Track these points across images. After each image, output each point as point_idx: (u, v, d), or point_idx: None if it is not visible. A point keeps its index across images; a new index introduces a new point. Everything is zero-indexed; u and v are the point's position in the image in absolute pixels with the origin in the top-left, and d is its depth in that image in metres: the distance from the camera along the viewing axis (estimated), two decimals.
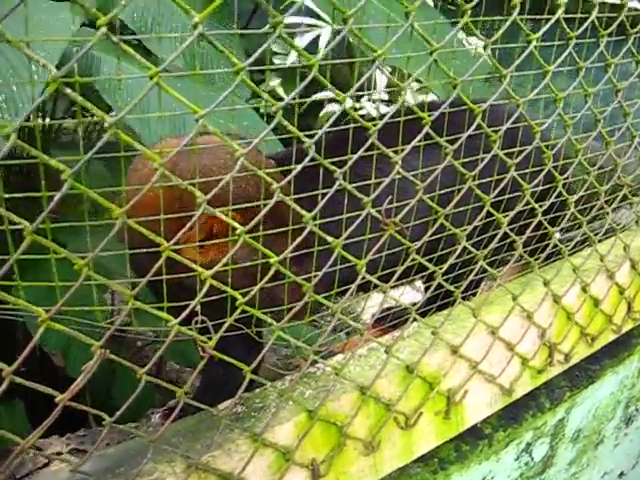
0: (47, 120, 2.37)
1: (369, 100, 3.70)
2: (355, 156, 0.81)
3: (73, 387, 0.67)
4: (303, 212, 0.78)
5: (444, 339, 1.06)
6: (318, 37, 2.88)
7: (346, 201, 0.86)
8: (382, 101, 3.78)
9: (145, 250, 0.73)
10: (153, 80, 0.61)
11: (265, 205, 0.76)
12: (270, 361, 1.59)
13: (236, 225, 0.73)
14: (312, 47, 2.77)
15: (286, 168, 0.79)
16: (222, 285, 0.74)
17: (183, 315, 0.72)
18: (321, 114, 3.31)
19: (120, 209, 0.63)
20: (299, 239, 0.78)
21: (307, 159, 0.76)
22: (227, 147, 1.08)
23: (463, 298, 1.09)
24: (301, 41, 2.97)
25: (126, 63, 1.66)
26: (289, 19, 2.77)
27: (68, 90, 0.59)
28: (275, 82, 3.32)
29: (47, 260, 0.70)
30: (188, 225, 0.68)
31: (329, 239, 0.83)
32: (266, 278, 0.77)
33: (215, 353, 0.77)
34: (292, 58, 3.01)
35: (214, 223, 0.99)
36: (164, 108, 1.68)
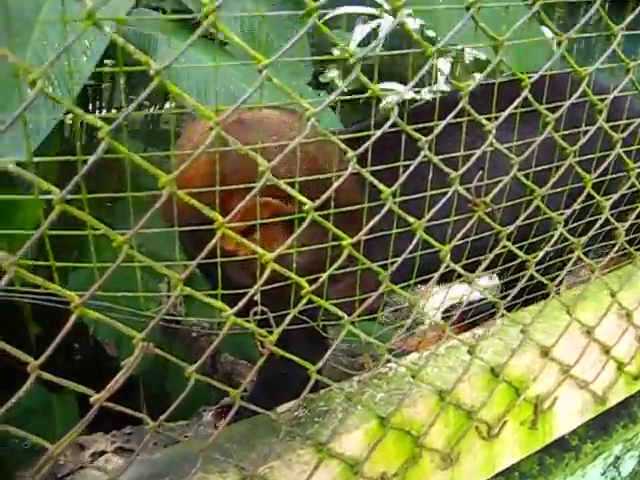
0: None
1: (430, 92, 3.59)
2: (443, 122, 0.68)
3: (111, 385, 0.57)
4: (382, 187, 0.66)
5: (534, 339, 0.93)
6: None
7: (430, 176, 0.74)
8: (443, 92, 3.66)
9: (196, 227, 0.62)
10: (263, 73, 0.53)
11: (335, 179, 0.65)
12: (333, 358, 1.48)
13: (304, 200, 0.61)
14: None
15: (364, 134, 0.67)
16: (286, 270, 0.63)
17: (240, 305, 0.61)
18: (380, 106, 3.20)
19: (168, 176, 0.52)
20: (377, 217, 0.66)
21: (388, 123, 0.64)
22: (289, 123, 0.99)
23: (547, 294, 0.95)
24: (362, 31, 2.86)
25: (177, 41, 1.57)
26: (348, 9, 2.67)
27: (107, 29, 0.48)
28: (334, 73, 3.23)
29: (101, 243, 0.60)
30: (248, 197, 0.57)
31: (410, 220, 0.71)
32: (337, 264, 0.66)
33: (275, 349, 0.66)
34: (352, 48, 2.90)
35: (270, 202, 0.88)
36: (222, 92, 1.59)
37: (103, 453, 1.07)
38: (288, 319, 0.66)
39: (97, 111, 2.36)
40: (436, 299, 2.07)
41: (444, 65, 3.63)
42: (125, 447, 1.08)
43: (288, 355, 0.68)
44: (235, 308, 0.60)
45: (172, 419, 1.24)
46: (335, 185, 0.63)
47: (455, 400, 0.85)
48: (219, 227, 0.57)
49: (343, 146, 0.62)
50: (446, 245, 0.76)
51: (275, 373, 0.94)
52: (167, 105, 2.86)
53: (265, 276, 0.62)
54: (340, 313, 0.71)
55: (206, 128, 0.56)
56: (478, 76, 0.71)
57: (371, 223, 0.66)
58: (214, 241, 0.57)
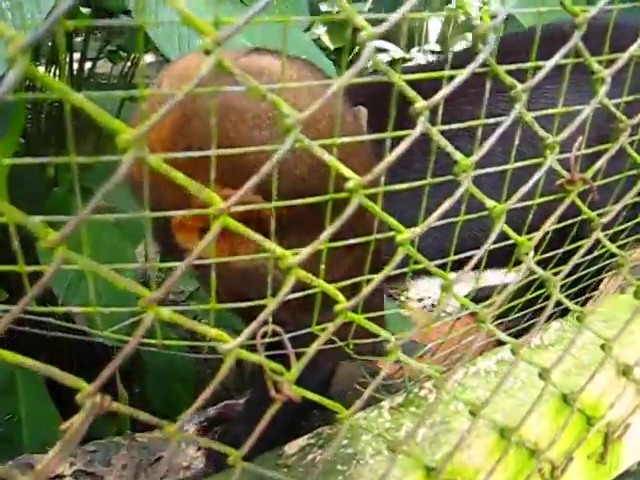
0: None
1: (419, 51, 3.43)
2: (550, 62, 0.46)
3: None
4: (458, 155, 0.44)
5: (613, 355, 0.72)
6: None
7: (516, 142, 0.52)
8: (432, 52, 3.50)
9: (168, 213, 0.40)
10: None
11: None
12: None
13: (350, 174, 0.40)
14: None
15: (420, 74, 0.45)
16: (321, 282, 0.41)
17: (247, 332, 0.39)
18: (369, 64, 3.04)
19: (132, 132, 0.30)
20: (453, 198, 0.44)
21: (476, 63, 0.42)
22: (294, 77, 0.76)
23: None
24: None
25: None
26: None
27: None
28: (321, 30, 3.04)
29: None
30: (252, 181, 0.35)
31: (489, 203, 0.49)
32: (391, 265, 0.44)
33: (296, 392, 0.45)
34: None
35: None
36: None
37: (59, 477, 0.86)
38: (320, 341, 0.45)
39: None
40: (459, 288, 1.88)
41: (436, 25, 3.50)
42: (87, 470, 0.86)
43: (311, 396, 0.47)
44: (241, 338, 0.39)
45: (147, 428, 1.04)
46: (394, 154, 0.41)
47: (518, 437, 0.65)
48: (218, 215, 0.35)
49: (412, 93, 0.40)
50: (523, 235, 0.55)
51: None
52: (148, 58, 2.60)
53: (288, 287, 0.40)
54: (384, 333, 0.50)
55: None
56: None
57: (446, 204, 0.44)
58: (215, 230, 0.35)
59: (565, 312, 0.82)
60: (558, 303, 0.63)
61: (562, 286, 0.62)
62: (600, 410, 0.73)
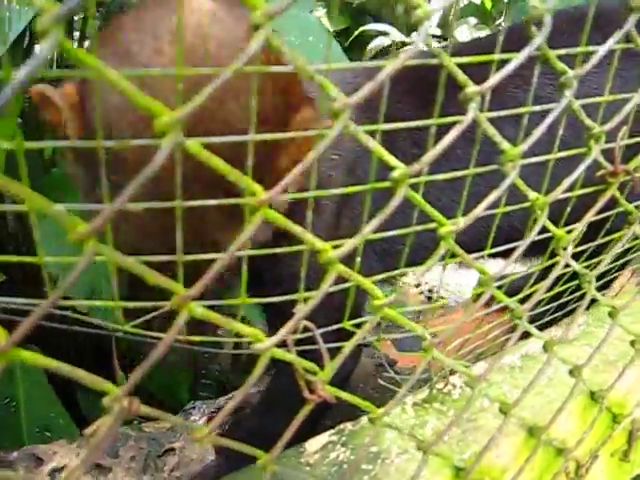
0: None
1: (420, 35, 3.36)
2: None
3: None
4: (505, 145, 0.42)
5: None
6: None
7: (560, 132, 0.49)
8: (434, 36, 3.43)
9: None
10: None
11: None
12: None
13: (397, 163, 0.37)
14: None
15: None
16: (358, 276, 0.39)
17: (284, 332, 0.37)
18: (369, 47, 3.00)
19: (172, 115, 0.28)
20: (499, 190, 0.42)
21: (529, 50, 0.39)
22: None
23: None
24: None
25: None
26: None
27: None
28: (320, 13, 3.00)
29: None
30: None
31: (532, 195, 0.47)
32: (435, 257, 0.42)
33: (330, 391, 0.42)
34: None
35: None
36: None
37: (66, 468, 0.84)
38: (358, 337, 0.43)
39: None
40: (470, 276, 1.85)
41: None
42: (94, 462, 0.84)
43: (345, 396, 0.44)
44: (277, 337, 0.36)
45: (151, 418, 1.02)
46: None
47: (546, 436, 0.63)
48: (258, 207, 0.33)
49: (463, 77, 0.37)
50: (561, 228, 0.52)
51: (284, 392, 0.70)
52: None
53: (329, 282, 0.37)
54: (419, 330, 0.47)
55: None
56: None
57: (492, 197, 0.42)
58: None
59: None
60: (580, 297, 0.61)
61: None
62: (627, 408, 0.71)
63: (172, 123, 0.28)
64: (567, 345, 0.74)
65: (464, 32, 3.28)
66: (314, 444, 0.59)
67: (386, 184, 0.38)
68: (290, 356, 0.40)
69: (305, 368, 0.41)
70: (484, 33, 3.06)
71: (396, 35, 3.08)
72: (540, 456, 0.64)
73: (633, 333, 0.67)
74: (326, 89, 0.32)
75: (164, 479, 0.83)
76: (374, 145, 0.36)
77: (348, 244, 0.37)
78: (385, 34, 3.05)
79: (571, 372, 0.61)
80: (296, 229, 0.36)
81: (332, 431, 0.61)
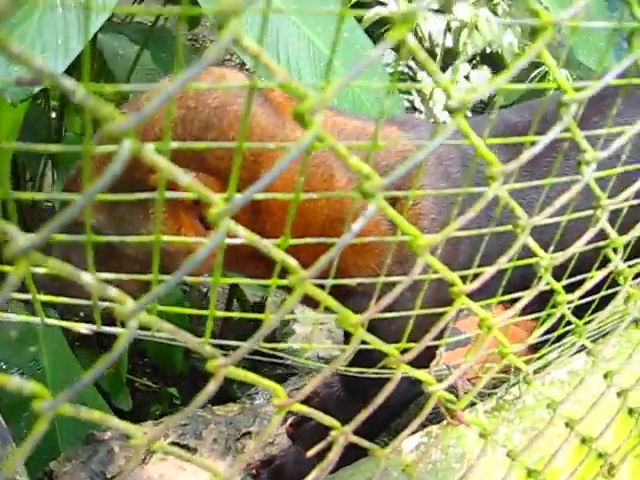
0: None
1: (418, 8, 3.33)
2: None
3: None
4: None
5: None
6: None
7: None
8: (430, 9, 3.39)
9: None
10: None
11: None
12: None
13: (494, 160, 0.48)
14: None
15: None
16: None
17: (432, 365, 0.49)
18: (365, 17, 2.92)
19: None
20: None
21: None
22: None
23: None
24: None
25: None
26: None
27: None
28: None
29: None
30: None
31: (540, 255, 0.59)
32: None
33: (467, 417, 0.54)
34: None
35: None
36: None
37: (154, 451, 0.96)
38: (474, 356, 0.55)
39: None
40: None
41: None
42: (181, 443, 0.96)
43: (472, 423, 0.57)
44: (446, 383, 0.49)
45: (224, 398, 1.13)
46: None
47: (590, 439, 0.76)
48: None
49: (490, 157, 0.49)
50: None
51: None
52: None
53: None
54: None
55: None
56: None
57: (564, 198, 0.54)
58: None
59: None
60: None
61: None
62: None
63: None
64: (604, 363, 0.88)
65: (463, 9, 3.27)
66: (409, 444, 0.72)
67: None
68: (439, 390, 0.52)
69: (447, 399, 0.54)
70: (483, 10, 2.95)
71: (394, 5, 3.08)
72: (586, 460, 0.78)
73: None
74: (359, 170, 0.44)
75: (245, 460, 0.95)
76: (478, 141, 0.48)
77: (439, 237, 0.48)
78: (383, 4, 3.01)
79: (619, 394, 0.74)
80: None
81: (421, 433, 0.73)
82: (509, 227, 0.49)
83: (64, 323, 0.47)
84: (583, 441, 0.74)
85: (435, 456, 0.70)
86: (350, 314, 0.39)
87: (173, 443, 0.97)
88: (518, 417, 0.77)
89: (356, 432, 0.52)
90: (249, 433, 0.99)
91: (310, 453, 0.48)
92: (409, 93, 2.99)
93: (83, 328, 0.47)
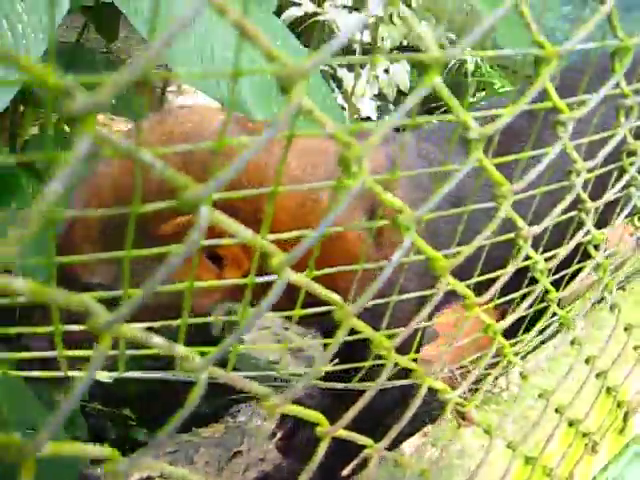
0: None
1: (331, 6, 3.34)
2: None
3: None
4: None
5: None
6: None
7: None
8: (345, 7, 3.42)
9: None
10: None
11: None
12: None
13: (503, 181, 0.51)
14: None
15: None
16: None
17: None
18: (282, 18, 2.93)
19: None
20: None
21: None
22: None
23: None
24: None
25: None
26: None
27: None
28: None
29: None
30: None
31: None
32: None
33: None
34: None
35: None
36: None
37: (149, 479, 0.95)
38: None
39: None
40: None
41: None
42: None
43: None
44: (461, 389, 0.51)
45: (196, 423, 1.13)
46: None
47: (577, 422, 0.80)
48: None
49: (496, 176, 0.52)
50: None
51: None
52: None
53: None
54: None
55: None
56: None
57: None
58: None
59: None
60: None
61: None
62: (626, 390, 0.90)
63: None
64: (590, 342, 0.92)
65: (376, 4, 3.29)
66: (409, 446, 0.74)
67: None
68: (454, 397, 0.54)
69: (457, 402, 0.56)
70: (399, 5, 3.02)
71: (309, 6, 3.08)
72: (571, 439, 0.82)
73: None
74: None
75: (241, 479, 0.96)
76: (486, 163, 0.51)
77: (461, 255, 0.51)
78: (298, 4, 3.02)
79: (597, 375, 0.79)
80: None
81: (419, 434, 0.76)
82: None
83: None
84: (570, 424, 0.78)
85: (436, 455, 0.73)
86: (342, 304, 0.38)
87: None
88: (507, 407, 0.80)
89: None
90: (240, 452, 0.99)
91: (345, 472, 0.49)
92: (332, 91, 3.01)
93: (105, 377, 0.47)
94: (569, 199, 0.48)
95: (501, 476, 0.69)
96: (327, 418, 0.43)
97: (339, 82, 2.98)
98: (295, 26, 2.91)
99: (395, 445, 0.74)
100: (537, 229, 0.47)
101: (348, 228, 0.74)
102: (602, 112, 0.56)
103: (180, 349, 0.30)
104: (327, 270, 0.43)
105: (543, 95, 0.46)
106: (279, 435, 1.01)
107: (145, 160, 0.24)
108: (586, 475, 0.90)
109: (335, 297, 0.35)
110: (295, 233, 0.36)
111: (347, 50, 2.87)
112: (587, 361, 0.76)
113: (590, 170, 0.54)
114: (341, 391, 0.62)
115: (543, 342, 0.96)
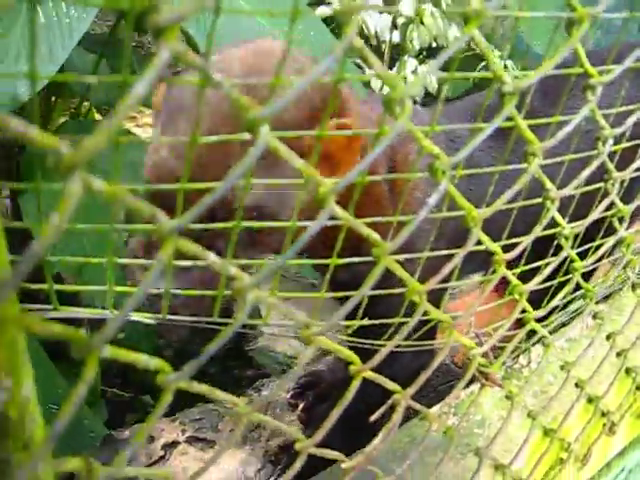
0: None
1: None
2: None
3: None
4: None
5: None
6: None
7: None
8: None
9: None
10: None
11: None
12: None
13: (534, 139, 0.53)
14: None
15: None
16: None
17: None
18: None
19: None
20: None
21: None
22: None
23: None
24: None
25: None
26: None
27: None
28: None
29: None
30: None
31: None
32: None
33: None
34: None
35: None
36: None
37: (175, 444, 0.98)
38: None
39: None
40: None
41: None
42: (199, 437, 0.99)
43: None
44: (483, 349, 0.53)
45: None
46: None
47: (596, 399, 0.82)
48: None
49: (529, 135, 0.54)
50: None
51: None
52: None
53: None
54: None
55: None
56: None
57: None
58: None
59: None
60: None
61: None
62: None
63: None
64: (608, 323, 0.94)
65: (407, 4, 3.29)
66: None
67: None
68: (479, 353, 0.56)
69: (481, 363, 0.58)
70: (428, 5, 2.96)
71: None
72: (589, 416, 0.84)
73: None
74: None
75: (263, 448, 0.99)
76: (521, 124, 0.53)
77: (493, 207, 0.53)
78: (328, 3, 3.01)
79: (618, 354, 0.80)
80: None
81: (441, 404, 0.78)
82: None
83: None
84: (589, 400, 0.80)
85: (457, 424, 0.75)
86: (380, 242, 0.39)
87: (192, 437, 1.00)
88: (523, 379, 0.82)
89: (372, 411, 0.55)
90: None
91: (373, 417, 0.51)
92: None
93: (148, 319, 0.50)
94: (595, 164, 0.50)
95: (520, 446, 0.71)
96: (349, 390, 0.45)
97: (366, 83, 2.99)
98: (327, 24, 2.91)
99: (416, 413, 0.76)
100: (565, 191, 0.49)
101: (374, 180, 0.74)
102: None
103: (232, 269, 0.33)
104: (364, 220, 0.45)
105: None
106: (301, 406, 1.03)
107: (214, 79, 0.27)
108: (603, 456, 0.91)
109: (374, 235, 0.38)
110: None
111: (376, 50, 2.88)
112: (608, 337, 0.78)
113: (616, 142, 0.56)
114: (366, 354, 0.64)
115: (564, 325, 0.97)
